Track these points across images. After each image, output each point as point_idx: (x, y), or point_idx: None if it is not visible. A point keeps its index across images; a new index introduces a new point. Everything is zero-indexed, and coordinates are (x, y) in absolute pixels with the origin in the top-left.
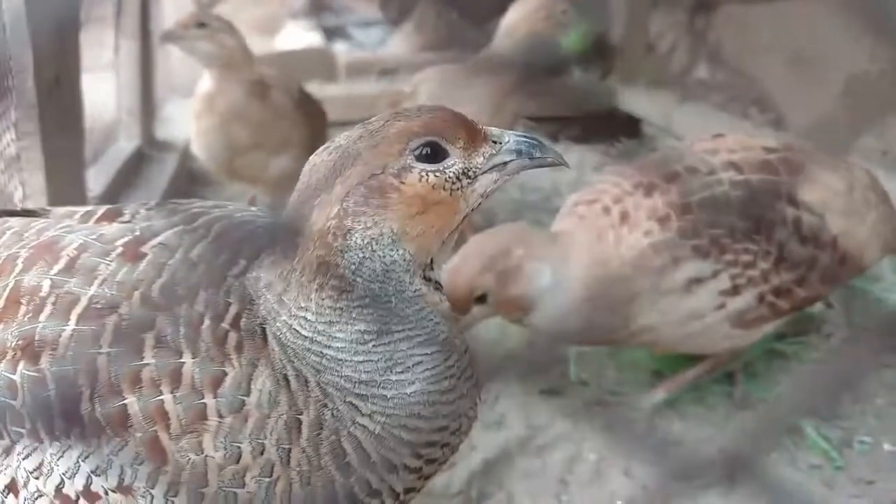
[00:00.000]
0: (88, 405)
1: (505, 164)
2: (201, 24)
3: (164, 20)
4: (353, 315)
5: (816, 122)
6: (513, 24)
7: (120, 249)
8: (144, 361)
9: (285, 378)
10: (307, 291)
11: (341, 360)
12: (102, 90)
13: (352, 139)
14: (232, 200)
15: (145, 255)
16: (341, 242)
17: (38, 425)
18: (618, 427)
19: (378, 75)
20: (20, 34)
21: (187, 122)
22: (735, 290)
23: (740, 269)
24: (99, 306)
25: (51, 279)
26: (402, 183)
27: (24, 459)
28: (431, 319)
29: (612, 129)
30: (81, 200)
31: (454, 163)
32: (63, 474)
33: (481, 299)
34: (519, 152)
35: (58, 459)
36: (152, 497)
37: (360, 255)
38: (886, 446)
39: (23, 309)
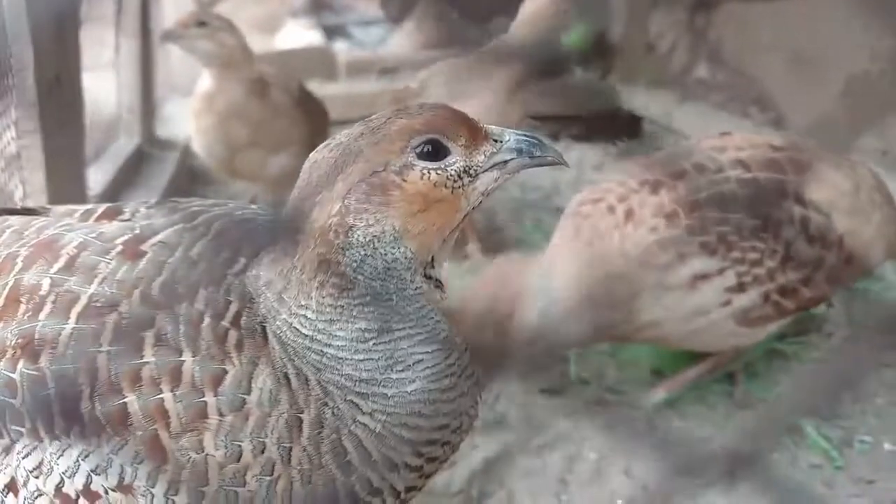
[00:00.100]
0: (88, 404)
1: (505, 162)
2: (201, 23)
3: (165, 19)
4: (354, 313)
5: (816, 122)
6: (532, 16)
7: (120, 248)
8: (144, 360)
9: (286, 376)
10: (307, 289)
11: (342, 358)
12: (103, 88)
13: (353, 136)
14: (233, 199)
15: (145, 253)
16: (343, 240)
17: (37, 424)
18: (618, 426)
19: (378, 74)
20: (21, 32)
21: (187, 121)
22: (741, 288)
23: (747, 266)
24: (99, 305)
25: (50, 277)
26: (404, 180)
27: (23, 458)
28: (432, 318)
29: (613, 128)
30: (82, 199)
31: (455, 161)
32: (63, 473)
33: None
34: (519, 151)
35: (58, 458)
36: (152, 496)
37: (362, 253)
38: (887, 446)
39: (22, 307)
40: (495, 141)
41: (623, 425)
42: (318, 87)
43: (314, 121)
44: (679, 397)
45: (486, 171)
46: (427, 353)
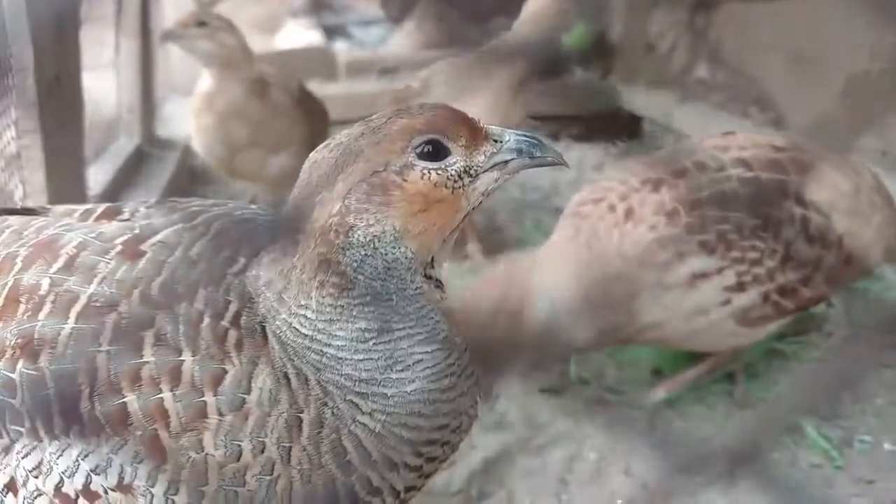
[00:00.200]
0: (88, 403)
1: (506, 162)
2: (201, 23)
3: (165, 19)
4: (354, 313)
5: (816, 122)
6: (534, 15)
7: (119, 247)
8: (144, 359)
9: (286, 376)
10: (307, 289)
11: (342, 358)
12: (103, 88)
13: (353, 136)
14: (233, 199)
15: (145, 253)
16: (343, 240)
17: (37, 424)
18: (618, 426)
19: (378, 74)
20: (21, 32)
21: (187, 121)
22: (740, 287)
23: (746, 266)
24: (98, 304)
25: (50, 277)
26: (405, 180)
27: (23, 458)
28: (432, 318)
29: (614, 128)
30: (81, 199)
31: (456, 161)
32: (62, 473)
33: None
34: (519, 151)
35: (57, 458)
36: (152, 496)
37: (362, 253)
38: (887, 446)
39: (22, 307)
40: (495, 141)
41: (623, 425)
42: (318, 87)
43: (314, 121)
44: (679, 397)
45: (486, 171)
46: (427, 352)
